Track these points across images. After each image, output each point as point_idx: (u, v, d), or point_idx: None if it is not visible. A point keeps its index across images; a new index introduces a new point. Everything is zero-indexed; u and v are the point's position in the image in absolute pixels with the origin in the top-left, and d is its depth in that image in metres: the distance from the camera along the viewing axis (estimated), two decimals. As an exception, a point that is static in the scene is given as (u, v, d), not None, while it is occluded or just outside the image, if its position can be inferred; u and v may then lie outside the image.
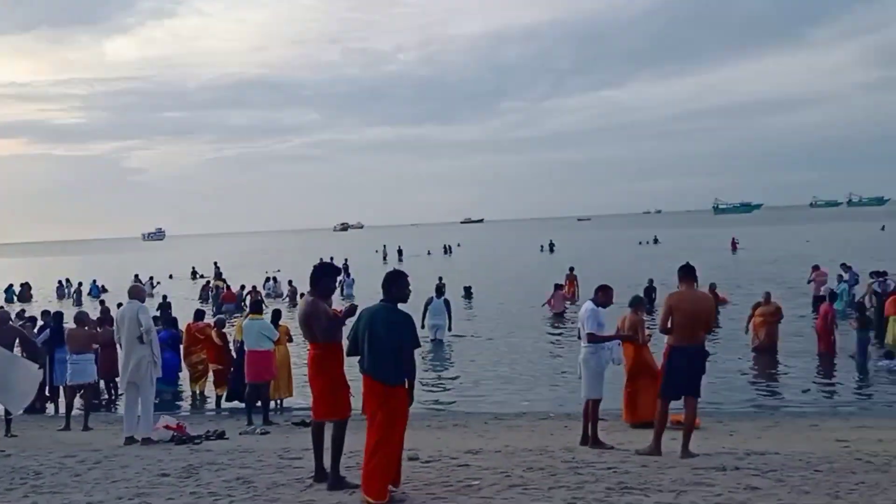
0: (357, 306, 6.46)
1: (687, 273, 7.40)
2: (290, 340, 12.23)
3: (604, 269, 35.50)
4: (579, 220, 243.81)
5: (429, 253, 62.35)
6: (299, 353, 12.41)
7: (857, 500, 5.25)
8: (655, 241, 62.84)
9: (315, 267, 6.22)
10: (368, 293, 20.08)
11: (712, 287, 21.21)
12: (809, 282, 21.85)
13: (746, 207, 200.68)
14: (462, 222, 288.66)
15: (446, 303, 18.29)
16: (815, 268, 22.04)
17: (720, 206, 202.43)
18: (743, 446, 7.78)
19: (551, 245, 61.41)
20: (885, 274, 18.67)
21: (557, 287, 23.07)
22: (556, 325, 20.81)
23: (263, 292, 29.37)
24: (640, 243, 61.88)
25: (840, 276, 21.23)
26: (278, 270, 38.34)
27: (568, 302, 23.22)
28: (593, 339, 7.99)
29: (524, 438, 8.87)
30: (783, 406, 11.46)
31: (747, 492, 5.57)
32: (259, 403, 10.86)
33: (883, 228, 67.07)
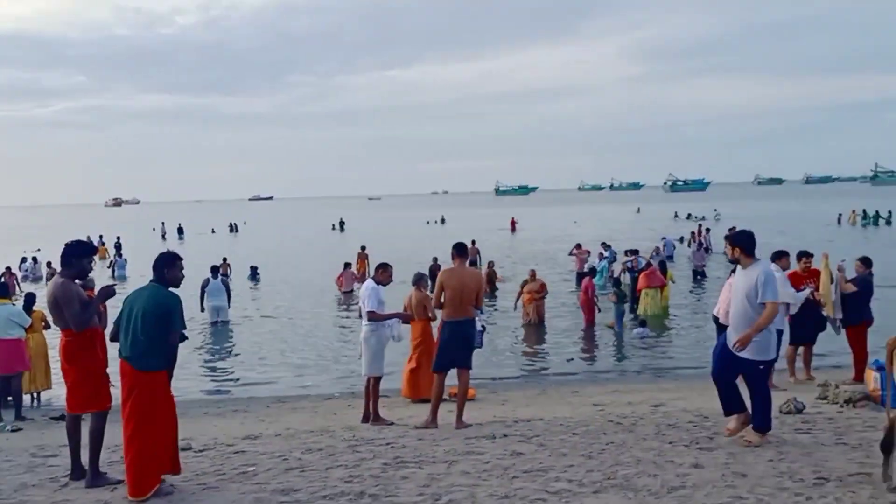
0: (114, 288, 6.00)
1: (458, 251, 7.69)
2: (48, 327, 11.07)
3: (393, 248, 36.10)
4: (370, 199, 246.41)
5: (213, 231, 59.70)
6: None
7: (606, 459, 5.78)
8: (442, 221, 65.01)
9: (66, 245, 5.65)
10: (143, 275, 18.80)
11: (490, 265, 22.50)
12: (570, 254, 23.94)
13: (524, 190, 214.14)
14: (251, 199, 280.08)
15: (224, 282, 17.64)
16: (578, 246, 24.17)
17: (501, 189, 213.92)
18: (512, 414, 8.31)
19: (342, 224, 61.46)
20: (636, 252, 20.80)
21: (347, 266, 23.09)
22: (346, 303, 20.83)
23: (20, 274, 26.55)
24: (428, 223, 63.76)
25: (601, 254, 23.37)
26: (38, 250, 34.62)
27: (357, 282, 23.33)
28: (373, 316, 8.07)
29: (306, 420, 8.80)
30: (550, 375, 12.37)
31: (513, 457, 5.94)
32: (10, 398, 9.77)
33: (638, 211, 74.89)
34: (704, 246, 28.73)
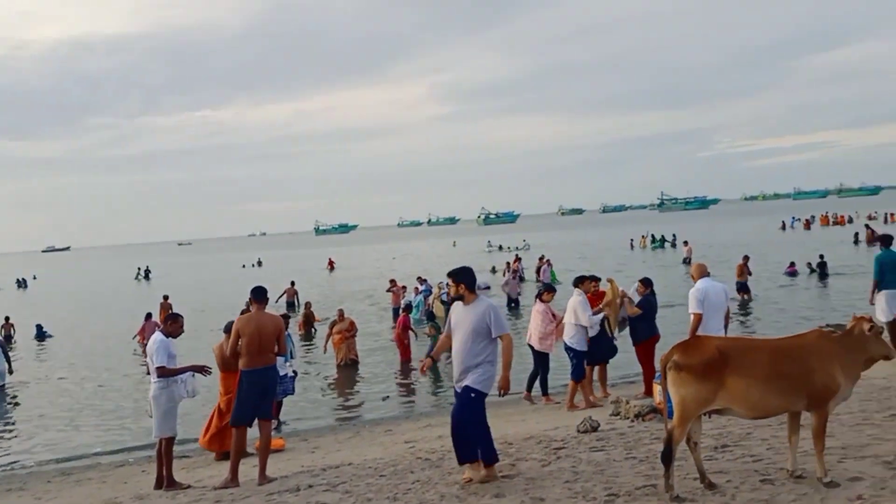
0: None
1: (256, 296, 7.34)
2: None
3: (206, 295, 34.45)
4: (180, 244, 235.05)
5: (-1, 288, 53.80)
6: None
7: (411, 499, 5.65)
8: (259, 263, 62.98)
9: None
10: None
11: (307, 306, 22.04)
12: (388, 290, 24.01)
13: (344, 228, 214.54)
14: (44, 251, 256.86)
15: (1, 344, 15.85)
16: (392, 282, 24.33)
17: (321, 228, 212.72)
18: (322, 461, 7.98)
19: (147, 272, 57.81)
20: (450, 284, 21.26)
21: (148, 316, 21.53)
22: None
23: None
24: (244, 266, 61.47)
25: (416, 289, 23.63)
26: None
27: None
28: (164, 372, 7.45)
29: (92, 493, 7.95)
30: (365, 416, 12.08)
31: (316, 510, 5.65)
32: None
33: (454, 244, 77.19)
34: (519, 275, 29.89)
